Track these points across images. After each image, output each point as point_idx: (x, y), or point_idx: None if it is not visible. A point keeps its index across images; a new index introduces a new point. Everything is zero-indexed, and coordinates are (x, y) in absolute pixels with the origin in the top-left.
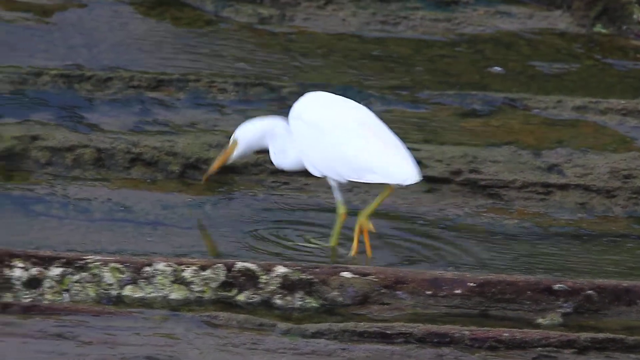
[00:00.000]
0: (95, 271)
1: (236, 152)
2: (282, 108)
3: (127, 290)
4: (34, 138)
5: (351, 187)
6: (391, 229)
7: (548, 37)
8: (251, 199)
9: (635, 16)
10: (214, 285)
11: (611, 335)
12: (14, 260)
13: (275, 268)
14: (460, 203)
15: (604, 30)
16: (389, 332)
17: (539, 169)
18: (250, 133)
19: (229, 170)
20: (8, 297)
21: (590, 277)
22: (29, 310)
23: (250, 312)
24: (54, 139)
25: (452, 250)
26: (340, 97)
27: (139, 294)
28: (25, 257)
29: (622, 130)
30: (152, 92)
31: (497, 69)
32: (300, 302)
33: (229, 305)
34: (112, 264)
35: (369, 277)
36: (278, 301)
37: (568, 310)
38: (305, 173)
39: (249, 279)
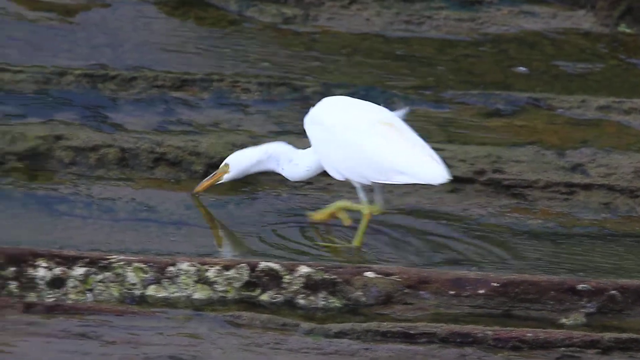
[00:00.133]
0: (119, 271)
1: (227, 177)
2: (305, 108)
3: (151, 290)
4: (58, 138)
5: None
6: (415, 228)
7: (572, 36)
8: (275, 199)
9: None
10: (237, 285)
11: (635, 336)
12: (38, 259)
13: (299, 268)
14: (484, 203)
15: (628, 30)
16: (412, 332)
17: (563, 169)
18: (243, 161)
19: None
20: (32, 297)
21: (613, 277)
22: (52, 309)
23: (273, 312)
24: (78, 138)
25: (475, 250)
26: (358, 100)
27: (162, 294)
28: (49, 257)
29: None
30: (175, 92)
31: (522, 69)
32: (323, 302)
33: (252, 305)
34: (136, 264)
35: (393, 277)
36: (301, 301)
37: (591, 310)
38: (328, 173)
39: (273, 279)
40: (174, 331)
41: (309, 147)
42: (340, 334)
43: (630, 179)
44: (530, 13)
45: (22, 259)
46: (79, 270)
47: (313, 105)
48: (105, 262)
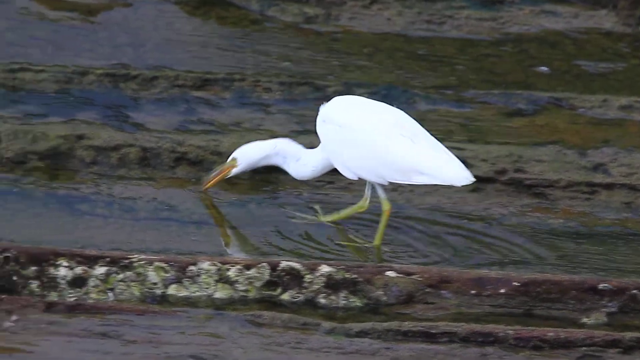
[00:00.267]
0: (140, 270)
1: (235, 171)
2: None
3: (172, 289)
4: (80, 137)
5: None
6: (436, 228)
7: (593, 36)
8: (296, 198)
9: None
10: (258, 284)
11: None
12: (59, 259)
13: (320, 267)
14: (505, 202)
15: None
16: (433, 331)
17: (584, 169)
18: (253, 155)
19: (273, 169)
20: (53, 296)
21: (635, 276)
22: (73, 309)
23: (294, 311)
24: (100, 138)
25: (497, 250)
26: (369, 99)
27: (183, 293)
28: (71, 256)
29: None
30: (197, 92)
31: (543, 68)
32: (344, 302)
33: (273, 304)
34: (157, 263)
35: (414, 277)
36: (322, 300)
37: (613, 309)
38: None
39: (294, 278)
40: (195, 330)
41: (316, 146)
42: (361, 334)
43: None
44: (551, 12)
45: (44, 259)
46: (100, 270)
47: None
48: (126, 261)
